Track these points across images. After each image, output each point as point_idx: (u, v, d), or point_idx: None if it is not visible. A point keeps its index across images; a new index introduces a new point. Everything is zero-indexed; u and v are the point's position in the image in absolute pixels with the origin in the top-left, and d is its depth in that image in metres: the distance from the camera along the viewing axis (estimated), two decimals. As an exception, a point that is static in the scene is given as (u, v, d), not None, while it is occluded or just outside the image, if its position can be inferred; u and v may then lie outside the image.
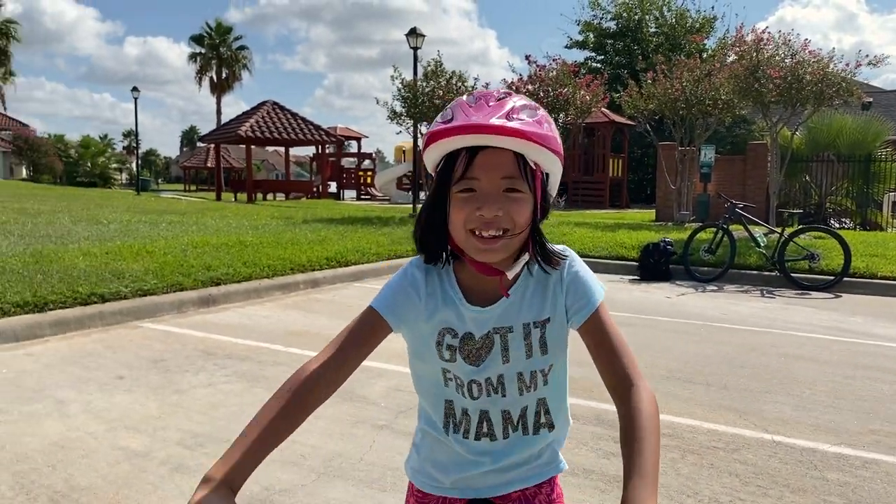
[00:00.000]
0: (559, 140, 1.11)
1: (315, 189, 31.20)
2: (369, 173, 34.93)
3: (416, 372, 1.29)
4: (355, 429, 3.58)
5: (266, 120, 27.58)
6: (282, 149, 35.30)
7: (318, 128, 28.79)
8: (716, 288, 8.64)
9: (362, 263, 8.85)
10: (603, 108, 21.70)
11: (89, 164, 52.09)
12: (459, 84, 15.14)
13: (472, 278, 1.18)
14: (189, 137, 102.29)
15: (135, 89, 33.14)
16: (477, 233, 1.07)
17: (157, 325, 5.81)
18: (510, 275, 1.15)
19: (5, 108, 55.90)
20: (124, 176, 66.35)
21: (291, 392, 1.07)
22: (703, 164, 14.79)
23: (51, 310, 5.42)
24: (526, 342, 1.18)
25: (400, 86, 15.42)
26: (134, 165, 40.38)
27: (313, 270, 8.02)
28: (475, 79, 15.45)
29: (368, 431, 3.55)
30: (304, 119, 28.71)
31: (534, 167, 1.09)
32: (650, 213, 18.97)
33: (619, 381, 1.10)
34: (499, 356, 1.19)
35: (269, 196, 30.39)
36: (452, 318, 1.19)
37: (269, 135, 27.25)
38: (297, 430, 1.05)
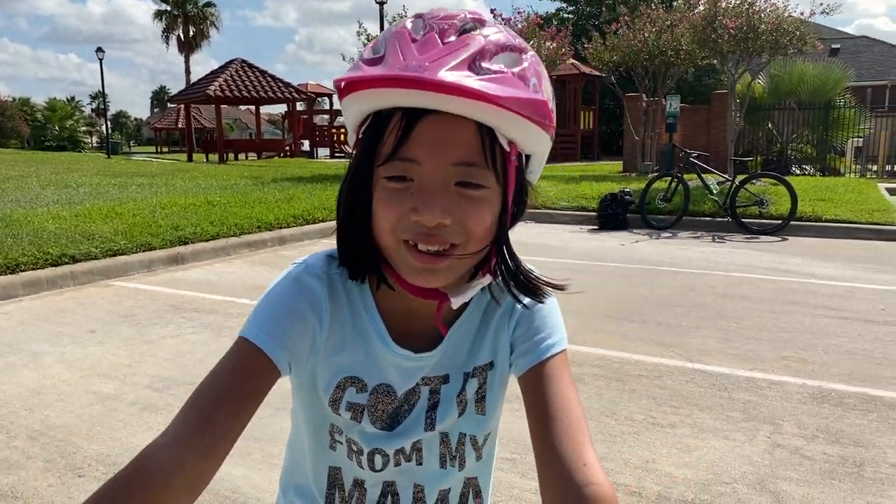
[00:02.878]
0: (552, 105, 0.73)
1: (288, 148, 31.08)
2: (342, 130, 34.75)
3: (294, 417, 0.92)
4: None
5: (235, 78, 27.29)
6: (255, 107, 34.96)
7: (287, 85, 28.56)
8: (670, 235, 9.01)
9: (330, 220, 9.08)
10: (573, 60, 21.80)
11: (57, 128, 51.15)
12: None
13: (399, 304, 0.80)
14: (159, 98, 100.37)
15: (99, 49, 32.52)
16: (412, 244, 0.71)
17: (127, 283, 6.04)
18: (456, 303, 0.76)
19: (-34, 72, 54.45)
20: (94, 139, 65.26)
21: (123, 497, 0.62)
22: (668, 115, 15.04)
23: (22, 271, 5.63)
24: (459, 398, 0.84)
25: (366, 41, 15.41)
26: (104, 128, 39.75)
27: (280, 228, 8.25)
28: (441, 33, 15.39)
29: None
30: (273, 77, 28.44)
31: (507, 147, 0.70)
32: (618, 165, 19.28)
33: (566, 465, 0.70)
34: (422, 418, 0.83)
35: (242, 156, 30.26)
36: (360, 362, 0.81)
37: (238, 94, 27.00)
38: None
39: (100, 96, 41.44)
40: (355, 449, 0.84)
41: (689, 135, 16.91)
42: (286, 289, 0.79)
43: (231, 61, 28.52)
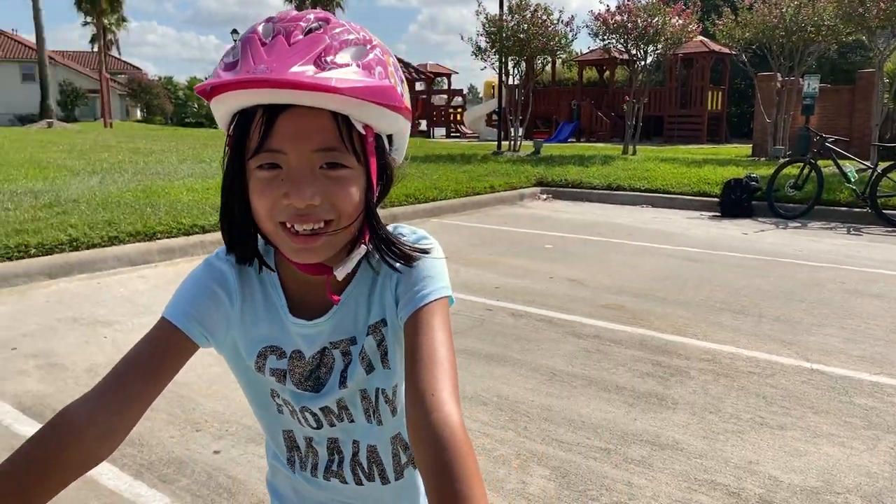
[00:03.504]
0: (402, 88, 0.81)
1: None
2: (459, 110, 34.95)
3: (244, 391, 0.99)
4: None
5: (358, 59, 28.02)
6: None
7: (407, 65, 29.07)
8: (799, 224, 8.45)
9: (440, 200, 9.21)
10: (701, 38, 20.73)
11: (196, 106, 54.71)
12: (545, 17, 14.89)
13: (295, 280, 0.89)
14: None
15: (234, 31, 34.28)
16: (289, 226, 0.78)
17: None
18: (341, 273, 0.85)
19: (120, 53, 59.16)
20: (229, 116, 69.07)
21: (30, 455, 0.72)
22: (805, 96, 14.03)
23: (159, 239, 6.11)
24: (361, 355, 0.91)
25: (484, 20, 15.35)
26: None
27: (392, 207, 8.45)
28: (560, 11, 15.11)
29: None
30: (395, 57, 28.99)
31: (363, 131, 0.78)
32: (747, 149, 18.22)
33: (417, 398, 0.75)
34: (337, 378, 0.92)
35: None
36: (276, 332, 0.90)
37: (361, 74, 27.73)
38: None
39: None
40: (290, 409, 0.95)
41: (829, 118, 15.71)
42: (199, 272, 0.89)
43: (355, 42, 29.30)
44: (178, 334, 0.83)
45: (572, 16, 15.24)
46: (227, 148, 0.80)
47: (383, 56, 0.79)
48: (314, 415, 0.94)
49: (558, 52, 16.52)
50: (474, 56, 15.96)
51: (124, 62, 62.38)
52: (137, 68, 64.27)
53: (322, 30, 0.76)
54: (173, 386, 3.31)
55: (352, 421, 0.95)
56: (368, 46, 0.78)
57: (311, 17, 0.77)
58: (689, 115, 25.61)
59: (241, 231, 0.84)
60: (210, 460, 2.68)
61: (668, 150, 18.14)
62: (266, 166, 0.77)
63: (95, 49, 48.42)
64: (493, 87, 32.09)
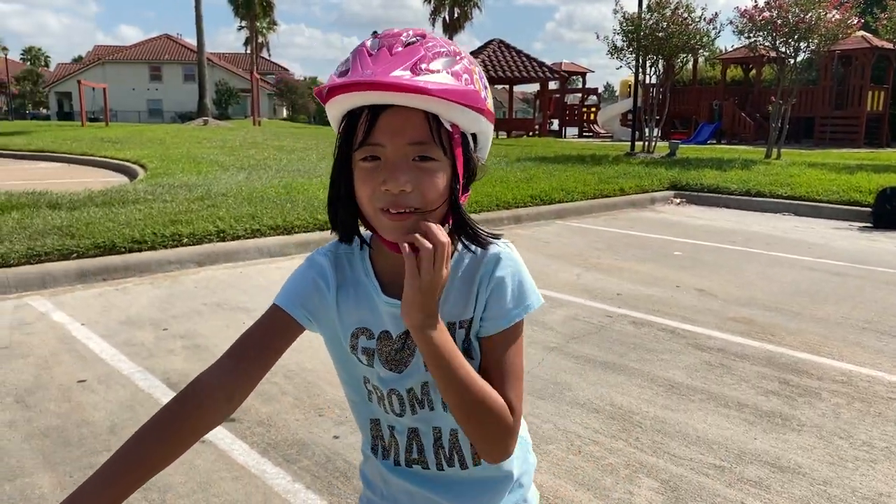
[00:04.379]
0: (485, 94, 0.93)
1: (536, 127, 31.50)
2: (593, 109, 34.29)
3: (340, 380, 1.11)
4: (529, 347, 4.03)
5: (492, 58, 28.27)
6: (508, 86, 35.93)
7: (542, 65, 28.88)
8: (967, 240, 7.63)
9: (566, 202, 9.13)
10: (862, 33, 19.13)
11: (334, 105, 57.33)
12: (686, 15, 14.33)
13: (389, 264, 0.99)
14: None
15: (374, 33, 35.54)
16: (386, 210, 0.90)
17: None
18: None
19: (269, 54, 62.92)
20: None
21: (173, 411, 0.91)
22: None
23: (296, 233, 6.51)
24: None
25: (621, 19, 15.00)
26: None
27: (517, 207, 8.49)
28: (703, 8, 14.46)
29: (539, 351, 3.97)
30: (528, 56, 28.95)
31: (450, 128, 0.90)
32: (911, 153, 16.63)
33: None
34: (421, 360, 0.98)
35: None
36: (367, 315, 1.01)
37: (494, 73, 27.92)
38: None
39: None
40: (378, 395, 1.04)
41: None
42: (303, 267, 1.05)
43: (489, 42, 29.57)
44: (286, 317, 0.99)
45: (716, 13, 14.57)
46: (337, 143, 0.95)
47: (470, 66, 0.92)
48: (399, 398, 1.02)
49: (700, 51, 15.83)
50: (609, 55, 15.65)
51: (273, 63, 66.42)
52: (285, 69, 68.29)
53: (418, 43, 0.89)
54: (301, 372, 3.56)
55: (432, 409, 1.03)
56: (457, 57, 0.91)
57: (411, 32, 0.91)
58: (845, 117, 23.68)
59: (345, 214, 0.97)
60: (330, 444, 2.86)
61: (817, 155, 16.90)
62: (368, 158, 0.90)
63: (248, 51, 51.88)
64: (630, 85, 31.25)
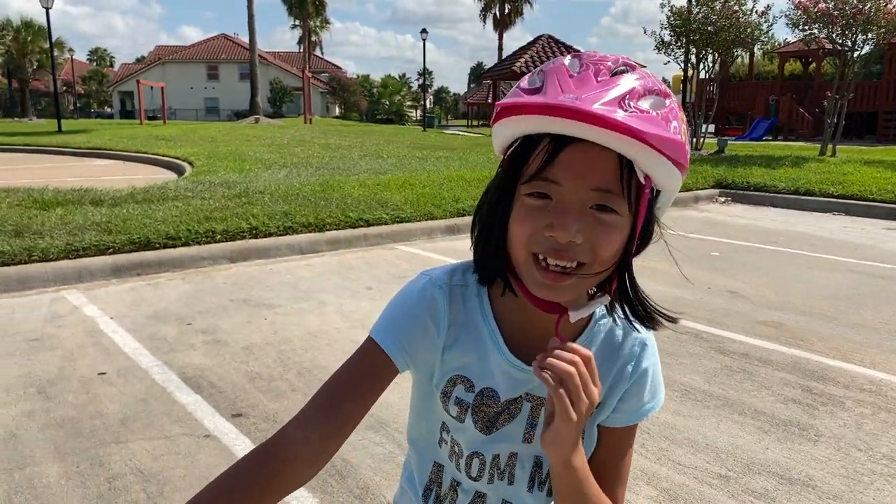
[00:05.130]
0: (688, 147, 0.79)
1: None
2: (645, 106, 33.63)
3: (412, 410, 1.00)
4: (546, 349, 3.98)
5: (540, 54, 28.03)
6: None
7: (590, 60, 28.48)
8: None
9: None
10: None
11: (387, 102, 57.88)
12: (736, 8, 13.92)
13: (517, 313, 0.87)
14: (476, 74, 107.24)
15: (423, 31, 35.75)
16: (541, 258, 0.77)
17: (408, 248, 6.72)
18: (574, 317, 0.82)
19: (322, 53, 63.94)
20: (418, 113, 72.46)
21: (258, 465, 0.79)
22: None
23: (328, 230, 6.59)
24: None
25: (669, 13, 14.67)
26: (425, 102, 43.94)
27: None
28: (754, 1, 14.02)
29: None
30: (577, 51, 28.61)
31: (642, 180, 0.76)
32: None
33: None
34: (521, 429, 0.90)
35: (542, 131, 31.00)
36: (473, 364, 0.89)
37: (542, 70, 27.69)
38: None
39: (424, 73, 45.67)
40: (457, 451, 0.93)
41: None
42: (412, 297, 0.89)
43: (538, 38, 29.34)
44: (385, 359, 0.85)
45: (768, 5, 14.14)
46: (500, 169, 0.81)
47: (679, 112, 0.78)
48: (482, 463, 0.91)
49: (754, 45, 15.35)
50: (657, 50, 15.33)
51: (326, 61, 67.40)
52: (338, 67, 69.19)
53: (626, 72, 0.76)
54: (314, 370, 3.59)
55: (511, 483, 0.93)
56: (668, 100, 0.77)
57: (619, 59, 0.78)
58: (910, 111, 22.64)
59: (492, 253, 0.83)
60: (331, 441, 2.88)
61: (877, 151, 16.22)
62: (536, 195, 0.76)
63: (301, 50, 52.78)
64: (682, 81, 30.55)
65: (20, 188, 8.41)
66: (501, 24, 57.07)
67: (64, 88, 52.19)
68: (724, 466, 2.67)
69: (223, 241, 5.98)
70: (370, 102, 58.90)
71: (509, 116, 0.76)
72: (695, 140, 15.70)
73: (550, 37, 29.18)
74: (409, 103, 64.77)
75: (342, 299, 4.93)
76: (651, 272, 5.76)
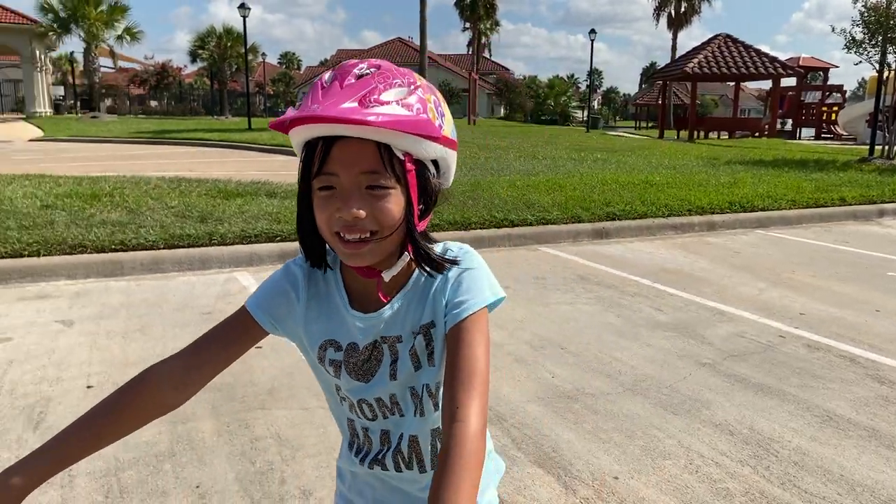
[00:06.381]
0: (441, 121, 0.96)
1: (765, 127, 29.08)
2: (835, 109, 30.82)
3: (319, 384, 1.16)
4: (679, 361, 3.87)
5: (716, 54, 26.64)
6: (747, 84, 33.54)
7: (773, 60, 26.61)
8: None
9: (771, 210, 8.43)
10: None
11: (552, 103, 57.46)
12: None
13: (357, 280, 1.05)
14: (647, 74, 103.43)
15: (592, 31, 35.14)
16: (342, 235, 0.94)
17: (551, 250, 6.75)
18: (387, 276, 1.00)
19: (491, 55, 64.78)
20: (585, 114, 71.26)
21: (122, 392, 1.00)
22: None
23: (473, 229, 6.78)
24: (411, 352, 1.05)
25: (862, 9, 13.35)
26: (590, 103, 43.16)
27: (712, 213, 8.02)
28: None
29: (689, 366, 3.80)
30: (758, 51, 26.84)
31: (402, 157, 0.92)
32: None
33: (448, 408, 0.92)
34: (387, 371, 1.06)
35: (714, 134, 29.47)
36: (336, 327, 1.06)
37: (717, 70, 26.30)
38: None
39: (591, 74, 44.87)
40: (349, 402, 1.10)
41: None
42: (278, 274, 1.09)
43: (714, 37, 27.85)
44: (250, 319, 1.05)
45: None
46: (298, 172, 0.99)
47: (424, 95, 0.94)
48: (370, 406, 1.08)
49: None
50: (846, 49, 14.03)
51: (494, 63, 68.22)
52: (506, 69, 69.81)
53: (371, 75, 0.92)
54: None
55: (402, 415, 1.08)
56: (412, 87, 0.93)
57: (365, 64, 0.94)
58: None
59: (311, 238, 1.01)
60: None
61: None
62: (324, 187, 0.94)
63: (470, 52, 53.88)
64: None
65: (209, 180, 9.45)
66: (676, 23, 54.61)
67: (256, 89, 57.29)
68: (858, 500, 2.49)
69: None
70: (536, 103, 58.83)
71: (289, 130, 0.92)
72: (886, 148, 14.19)
73: (728, 36, 27.57)
74: (574, 104, 63.91)
75: (480, 296, 5.08)
76: (812, 290, 5.37)
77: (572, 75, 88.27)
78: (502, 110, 62.00)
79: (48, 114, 35.90)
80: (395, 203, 0.94)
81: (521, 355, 3.92)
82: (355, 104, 0.88)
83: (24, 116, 33.02)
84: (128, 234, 5.74)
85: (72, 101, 46.31)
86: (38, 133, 22.83)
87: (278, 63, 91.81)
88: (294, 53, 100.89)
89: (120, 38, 35.20)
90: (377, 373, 1.06)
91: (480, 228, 6.80)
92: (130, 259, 5.46)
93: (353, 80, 0.91)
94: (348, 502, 1.19)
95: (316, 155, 0.93)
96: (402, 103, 0.91)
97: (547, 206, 7.67)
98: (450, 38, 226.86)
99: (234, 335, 1.05)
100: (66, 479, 2.55)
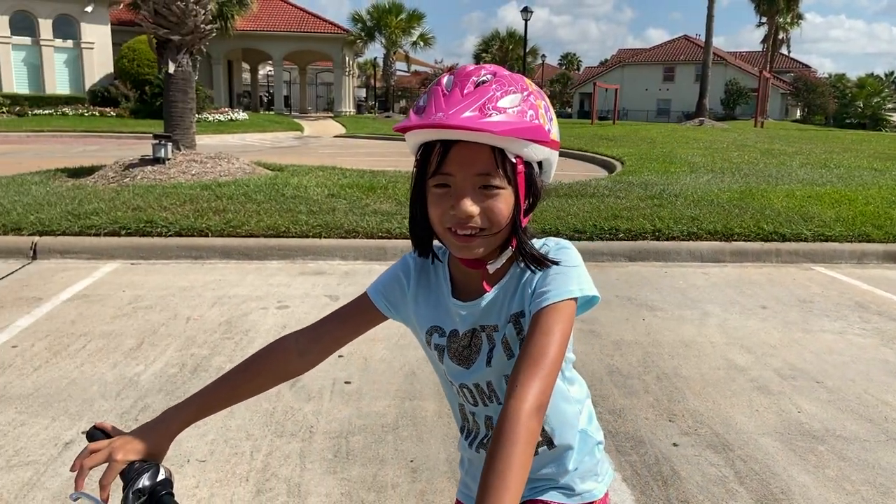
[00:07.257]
0: (550, 126, 1.03)
1: None
2: None
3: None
4: None
5: None
6: None
7: None
8: None
9: None
10: None
11: (861, 105, 50.34)
12: None
13: (461, 272, 1.13)
14: None
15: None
16: (453, 230, 1.02)
17: (828, 271, 5.97)
18: (492, 268, 1.07)
19: (789, 51, 58.70)
20: (902, 117, 61.26)
21: (256, 356, 1.17)
22: None
23: (735, 240, 6.27)
24: (503, 340, 1.10)
25: None
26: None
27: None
28: None
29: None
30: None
31: (514, 160, 1.00)
32: None
33: (510, 385, 0.95)
34: (484, 358, 1.12)
35: None
36: (440, 314, 1.16)
37: None
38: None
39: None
40: (455, 386, 1.17)
41: None
42: (395, 265, 1.21)
43: None
44: (368, 303, 1.19)
45: None
46: (414, 170, 1.07)
47: (536, 101, 1.02)
48: (470, 391, 1.16)
49: None
50: None
51: (793, 60, 61.83)
52: (807, 66, 62.87)
53: (489, 82, 0.99)
54: (673, 377, 3.56)
55: (499, 403, 1.13)
56: (524, 94, 1.01)
57: (483, 71, 1.02)
58: None
59: (422, 232, 1.10)
60: (666, 449, 2.87)
61: None
62: (439, 185, 1.02)
63: (765, 48, 49.38)
64: None
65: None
66: None
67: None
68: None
69: (625, 240, 6.20)
70: (840, 105, 51.99)
71: (407, 133, 1.01)
72: None
73: None
74: (890, 106, 55.19)
75: (729, 314, 4.70)
76: None
77: (891, 73, 76.19)
78: (798, 112, 55.90)
79: (351, 113, 40.74)
80: (505, 202, 1.01)
81: (766, 383, 3.55)
82: (476, 112, 0.96)
83: (332, 115, 37.88)
84: (393, 224, 6.32)
85: (371, 103, 52.03)
86: (342, 130, 26.12)
87: (558, 64, 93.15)
88: (574, 54, 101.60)
89: (414, 43, 38.66)
90: (476, 359, 1.13)
91: (744, 240, 6.26)
92: (393, 246, 6.00)
93: (472, 88, 0.98)
94: (467, 487, 1.26)
95: (434, 155, 1.02)
96: (517, 110, 0.98)
97: (829, 220, 6.79)
98: (743, 35, 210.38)
99: (350, 314, 1.19)
100: (306, 434, 2.93)
